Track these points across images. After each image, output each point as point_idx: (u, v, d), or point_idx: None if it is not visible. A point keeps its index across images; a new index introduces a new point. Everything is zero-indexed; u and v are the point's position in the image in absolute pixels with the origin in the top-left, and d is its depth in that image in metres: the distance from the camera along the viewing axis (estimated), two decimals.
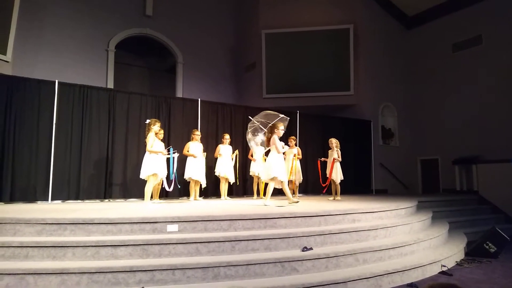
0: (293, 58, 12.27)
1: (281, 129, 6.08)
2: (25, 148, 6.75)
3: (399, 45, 12.84)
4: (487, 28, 10.57)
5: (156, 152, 6.11)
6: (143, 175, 6.12)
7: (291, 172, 7.89)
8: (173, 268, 3.44)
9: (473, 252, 5.64)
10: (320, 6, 12.46)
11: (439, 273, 4.54)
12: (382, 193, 11.18)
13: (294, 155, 7.86)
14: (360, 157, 11.04)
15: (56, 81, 7.20)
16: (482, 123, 10.45)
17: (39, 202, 6.73)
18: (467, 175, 10.39)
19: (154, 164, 6.06)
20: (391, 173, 11.87)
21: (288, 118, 6.76)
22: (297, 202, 5.86)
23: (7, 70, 8.53)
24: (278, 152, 6.01)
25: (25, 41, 10.13)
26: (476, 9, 10.87)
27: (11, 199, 6.52)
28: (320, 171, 8.24)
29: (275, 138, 6.01)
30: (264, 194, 8.25)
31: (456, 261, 5.12)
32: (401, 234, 5.06)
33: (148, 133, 6.11)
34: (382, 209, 5.31)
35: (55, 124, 7.03)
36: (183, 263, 3.50)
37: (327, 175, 7.89)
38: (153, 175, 6.04)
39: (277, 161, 5.95)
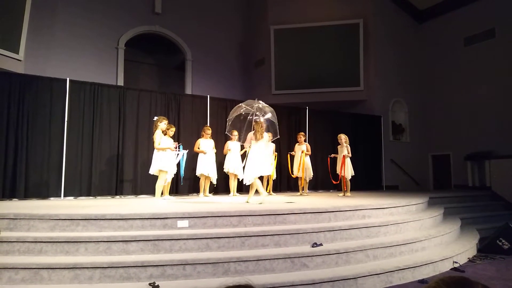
0: (302, 53, 12.20)
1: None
2: (38, 145, 6.86)
3: (409, 39, 12.67)
4: (500, 21, 10.37)
5: (164, 149, 6.16)
6: (151, 170, 6.23)
7: (299, 169, 7.90)
8: (183, 264, 3.47)
9: (486, 249, 5.57)
10: (329, 1, 12.36)
11: (451, 269, 4.50)
12: (393, 189, 11.09)
13: (302, 152, 7.86)
14: (370, 153, 10.95)
15: (67, 79, 7.28)
16: (494, 118, 10.28)
17: (52, 198, 6.84)
18: (479, 171, 10.24)
19: (163, 160, 6.10)
20: (402, 169, 11.76)
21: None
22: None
23: (20, 69, 8.65)
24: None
25: (36, 40, 10.25)
26: (488, 2, 10.67)
27: (25, 196, 6.64)
28: (330, 168, 8.20)
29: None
30: (267, 190, 8.31)
31: (468, 258, 5.07)
32: (412, 230, 5.02)
33: (155, 130, 6.16)
34: (392, 205, 5.27)
35: (67, 121, 7.12)
36: (193, 258, 3.53)
37: (337, 172, 7.86)
38: (163, 171, 6.09)
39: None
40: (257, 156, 5.77)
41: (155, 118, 6.32)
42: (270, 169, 6.24)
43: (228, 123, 6.67)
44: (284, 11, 12.58)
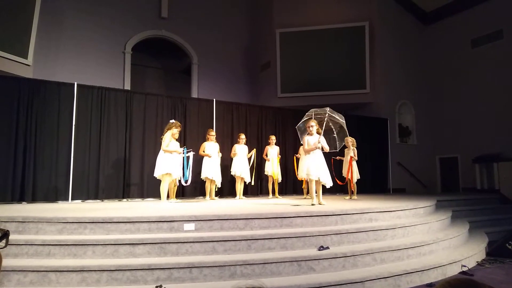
0: (308, 56, 12.21)
1: (310, 127, 5.86)
2: (46, 149, 6.93)
3: (416, 42, 12.62)
4: (508, 22, 10.29)
5: (171, 152, 6.20)
6: (156, 174, 6.23)
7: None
8: (190, 267, 3.48)
9: (495, 252, 5.50)
10: (335, 4, 12.35)
11: (459, 273, 4.44)
12: (400, 192, 11.01)
13: None
14: (377, 156, 10.90)
15: (75, 83, 7.36)
16: (503, 120, 10.18)
17: (59, 201, 6.89)
18: (488, 174, 10.14)
19: (168, 163, 6.14)
20: (409, 172, 11.68)
21: (327, 108, 6.23)
22: (313, 205, 5.52)
23: (28, 73, 8.76)
24: (305, 153, 5.94)
25: (45, 45, 10.38)
26: (496, 3, 10.59)
27: (33, 199, 6.70)
28: (333, 169, 8.16)
29: (304, 138, 5.90)
30: (273, 193, 8.29)
31: (477, 261, 5.01)
32: (420, 233, 4.98)
33: (166, 131, 6.23)
34: (400, 208, 5.23)
35: (75, 125, 7.19)
36: (200, 261, 3.53)
37: (343, 175, 7.83)
38: (167, 174, 6.12)
39: (303, 161, 5.99)
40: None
41: (172, 120, 6.41)
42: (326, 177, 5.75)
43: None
44: (290, 14, 12.60)
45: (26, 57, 8.77)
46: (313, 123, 5.89)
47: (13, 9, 8.42)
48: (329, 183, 5.72)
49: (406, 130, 12.30)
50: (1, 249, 0.98)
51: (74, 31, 11.28)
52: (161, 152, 6.24)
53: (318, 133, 5.89)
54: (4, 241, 0.98)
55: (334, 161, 8.11)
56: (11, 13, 8.38)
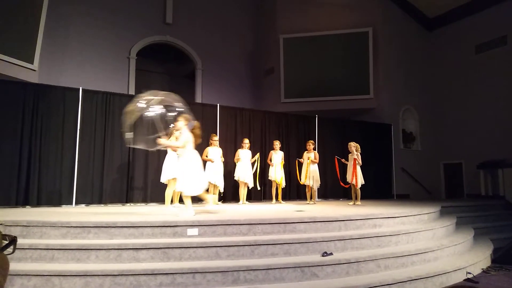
0: (311, 62, 12.23)
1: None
2: (51, 153, 6.97)
3: (419, 47, 12.62)
4: None
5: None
6: (163, 179, 6.25)
7: (306, 176, 7.90)
8: (193, 272, 3.47)
9: (501, 259, 5.45)
10: (338, 10, 12.39)
11: (464, 280, 4.40)
12: (404, 198, 10.96)
13: (309, 158, 7.91)
14: (381, 162, 10.85)
15: (80, 88, 7.41)
16: (507, 126, 10.12)
17: (63, 206, 6.91)
18: (492, 180, 10.07)
19: (174, 168, 6.14)
20: (413, 177, 11.63)
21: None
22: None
23: (34, 78, 8.83)
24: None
25: (51, 50, 10.47)
26: (500, 9, 10.59)
27: (38, 203, 6.73)
28: (338, 169, 8.15)
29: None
30: (276, 198, 8.25)
31: (482, 268, 4.96)
32: (424, 240, 4.95)
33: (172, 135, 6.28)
34: (404, 214, 5.21)
35: (79, 130, 7.23)
36: (203, 266, 3.53)
37: (348, 180, 7.81)
38: (173, 179, 6.13)
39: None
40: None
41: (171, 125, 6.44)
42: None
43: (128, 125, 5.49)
44: (293, 20, 12.65)
45: (32, 62, 8.84)
46: (179, 118, 5.32)
47: (20, 14, 8.51)
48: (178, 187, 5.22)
49: (410, 136, 12.27)
50: (9, 255, 0.99)
51: (79, 36, 11.37)
52: (166, 158, 6.26)
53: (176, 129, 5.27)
54: (12, 247, 0.99)
55: (337, 160, 8.09)
56: (18, 19, 8.47)
